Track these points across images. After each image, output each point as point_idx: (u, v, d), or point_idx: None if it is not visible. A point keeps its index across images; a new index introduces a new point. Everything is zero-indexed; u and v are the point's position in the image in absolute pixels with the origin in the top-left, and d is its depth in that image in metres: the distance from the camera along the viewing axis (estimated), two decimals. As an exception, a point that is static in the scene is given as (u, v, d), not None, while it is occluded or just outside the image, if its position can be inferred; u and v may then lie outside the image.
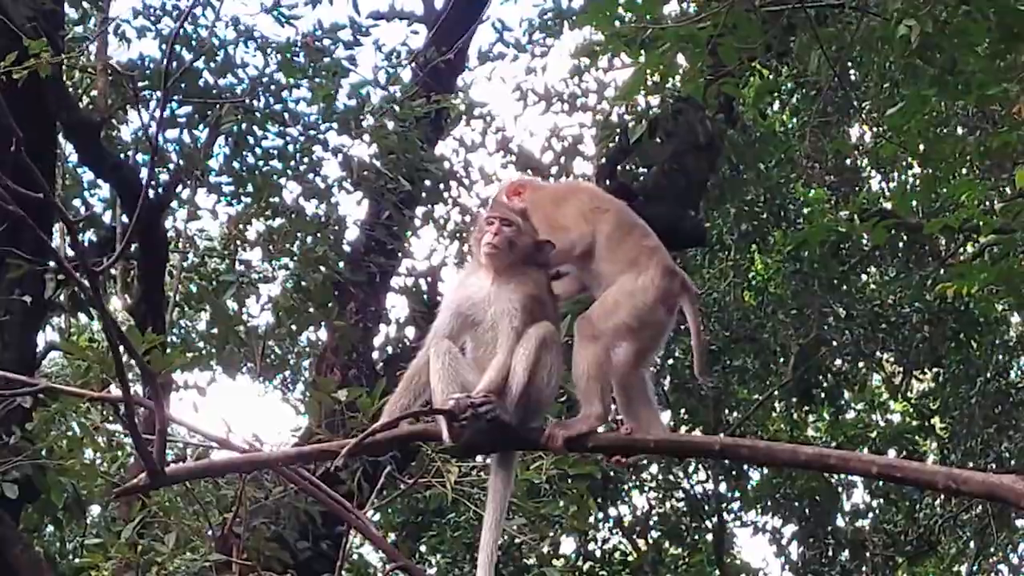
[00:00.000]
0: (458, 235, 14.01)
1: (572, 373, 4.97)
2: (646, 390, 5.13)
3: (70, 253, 11.03)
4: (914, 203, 14.89)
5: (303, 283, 12.80)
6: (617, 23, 8.80)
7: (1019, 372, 18.36)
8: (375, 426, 4.80)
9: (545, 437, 4.91)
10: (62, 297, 12.46)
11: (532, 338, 4.89)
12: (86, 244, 12.61)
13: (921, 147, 9.93)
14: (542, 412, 5.01)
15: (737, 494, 18.48)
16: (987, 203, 14.24)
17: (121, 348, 4.34)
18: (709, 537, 18.43)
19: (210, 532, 9.63)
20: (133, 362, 4.75)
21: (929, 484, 4.85)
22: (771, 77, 14.13)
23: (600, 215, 5.17)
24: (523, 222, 5.04)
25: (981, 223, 11.34)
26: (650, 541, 18.22)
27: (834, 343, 17.47)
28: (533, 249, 5.04)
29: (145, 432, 4.69)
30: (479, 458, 9.84)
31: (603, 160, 14.57)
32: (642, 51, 8.61)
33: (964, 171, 14.30)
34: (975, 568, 19.19)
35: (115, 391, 7.42)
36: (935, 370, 18.39)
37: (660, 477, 18.14)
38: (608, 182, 14.42)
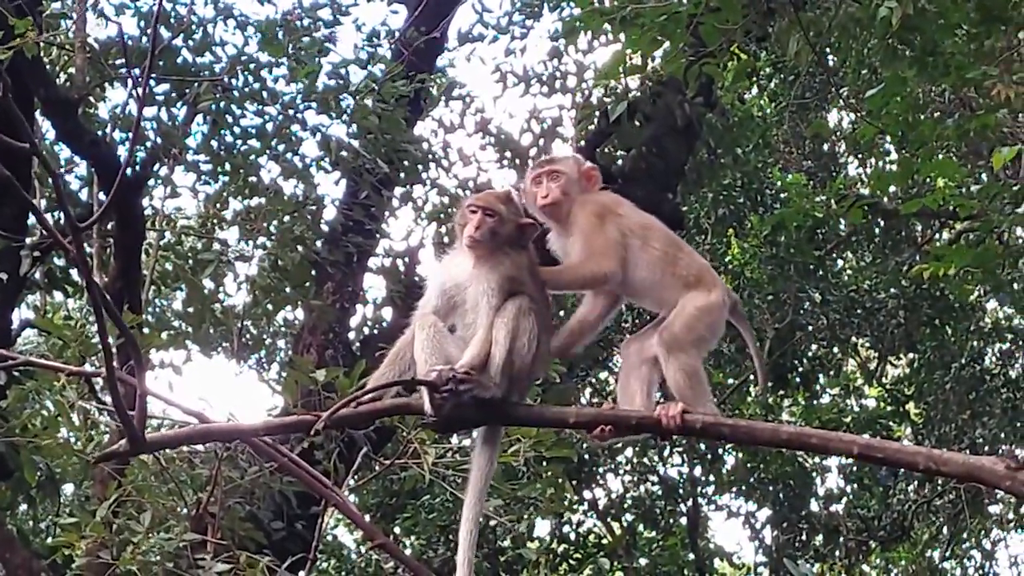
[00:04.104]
0: (436, 216, 13.99)
1: (672, 385, 5.08)
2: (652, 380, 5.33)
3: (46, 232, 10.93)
4: (892, 188, 14.92)
5: (280, 262, 12.76)
6: (595, 2, 8.81)
7: (993, 358, 18.43)
8: (357, 393, 4.79)
9: (657, 415, 4.98)
10: (38, 274, 12.40)
11: (509, 309, 4.95)
12: (62, 220, 12.52)
13: (900, 130, 9.94)
14: (526, 385, 5.03)
15: (712, 478, 18.50)
16: (964, 188, 14.27)
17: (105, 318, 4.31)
18: (684, 521, 18.44)
19: (185, 512, 9.61)
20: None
21: (910, 465, 4.88)
22: (749, 59, 14.13)
23: (644, 231, 5.30)
24: (506, 208, 5.09)
25: (957, 207, 11.36)
26: (624, 524, 18.24)
27: (809, 328, 17.51)
28: (516, 233, 5.10)
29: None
30: (455, 440, 9.87)
31: (582, 142, 14.57)
32: (623, 30, 8.60)
33: (940, 156, 14.33)
34: (948, 553, 19.31)
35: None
36: (910, 356, 18.48)
37: (635, 460, 18.14)
38: (586, 164, 14.40)
